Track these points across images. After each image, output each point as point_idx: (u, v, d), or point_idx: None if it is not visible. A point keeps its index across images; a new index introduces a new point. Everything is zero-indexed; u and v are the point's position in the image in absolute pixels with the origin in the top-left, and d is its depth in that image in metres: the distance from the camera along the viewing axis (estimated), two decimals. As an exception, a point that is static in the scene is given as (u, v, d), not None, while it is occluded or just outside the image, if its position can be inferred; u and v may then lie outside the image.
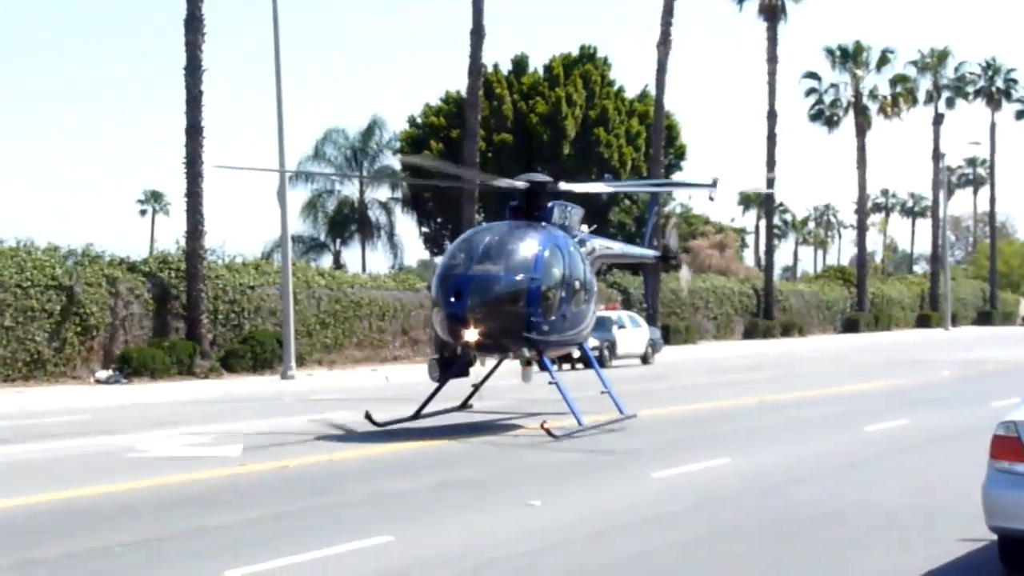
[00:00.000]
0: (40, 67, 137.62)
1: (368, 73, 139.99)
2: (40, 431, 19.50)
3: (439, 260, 19.82)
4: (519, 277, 18.31)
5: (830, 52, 69.18)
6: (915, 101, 72.79)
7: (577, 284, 19.70)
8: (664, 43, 48.51)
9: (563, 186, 21.55)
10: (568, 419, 18.14)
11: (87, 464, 15.32)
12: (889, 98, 69.39)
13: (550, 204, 20.36)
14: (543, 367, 19.29)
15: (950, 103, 76.68)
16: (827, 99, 69.69)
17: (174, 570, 8.74)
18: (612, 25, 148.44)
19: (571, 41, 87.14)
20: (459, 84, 49.63)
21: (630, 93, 59.96)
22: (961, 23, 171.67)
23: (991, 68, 78.87)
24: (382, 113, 71.60)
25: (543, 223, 19.84)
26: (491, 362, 20.56)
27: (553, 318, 18.88)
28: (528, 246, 18.73)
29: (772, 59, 59.49)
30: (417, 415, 19.48)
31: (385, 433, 18.57)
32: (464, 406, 20.59)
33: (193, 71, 33.32)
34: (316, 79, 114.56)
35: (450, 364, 19.69)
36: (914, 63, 74.01)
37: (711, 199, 25.57)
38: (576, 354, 21.10)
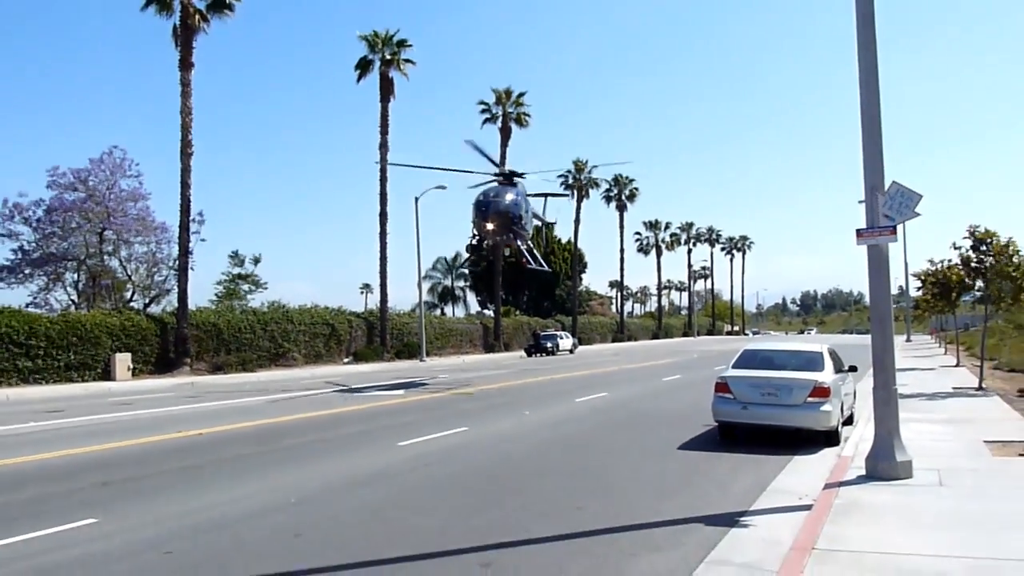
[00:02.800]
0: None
1: (451, 228, 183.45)
2: (319, 384, 30.17)
3: (478, 198, 29.94)
4: (509, 203, 29.01)
5: (645, 223, 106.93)
6: (680, 243, 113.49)
7: (529, 213, 30.99)
8: (576, 220, 76.72)
9: (520, 172, 31.98)
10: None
11: (337, 399, 23.97)
12: (669, 241, 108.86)
13: (515, 180, 30.91)
14: (524, 251, 32.37)
15: (695, 244, 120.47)
16: (644, 243, 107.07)
17: (376, 441, 14.50)
18: (555, 211, 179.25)
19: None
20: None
21: (564, 240, 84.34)
22: (704, 204, 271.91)
23: (712, 231, 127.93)
24: (460, 249, 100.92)
25: (514, 186, 30.39)
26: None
27: (523, 224, 30.59)
28: (511, 193, 29.35)
29: (621, 227, 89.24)
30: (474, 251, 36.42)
31: (465, 382, 29.60)
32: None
33: (383, 237, 49.28)
34: (433, 230, 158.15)
35: (476, 248, 33.36)
36: (679, 227, 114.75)
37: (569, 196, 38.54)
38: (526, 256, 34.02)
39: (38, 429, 17.22)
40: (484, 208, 28.84)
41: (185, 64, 37.22)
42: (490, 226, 28.83)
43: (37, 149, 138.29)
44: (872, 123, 10.27)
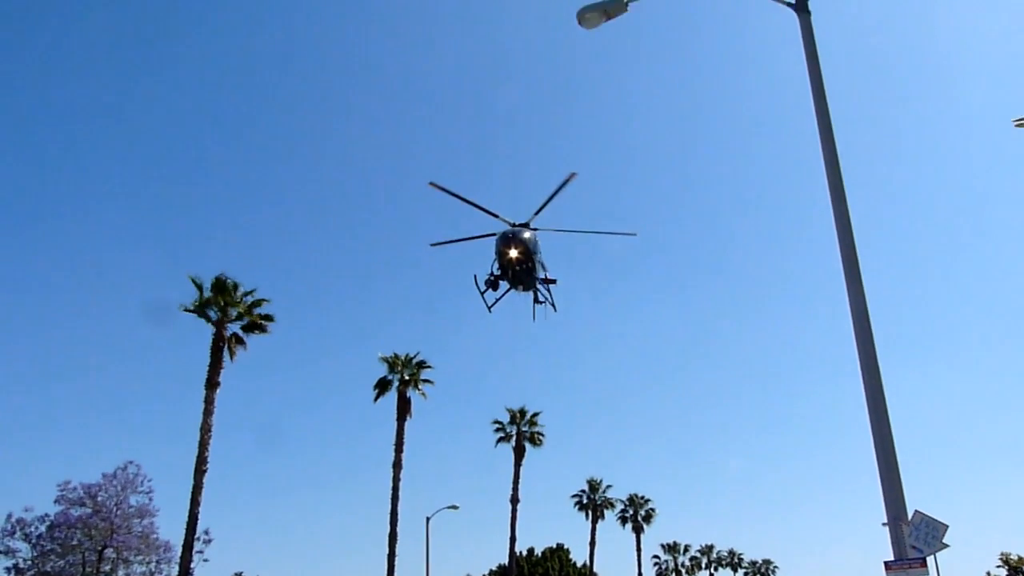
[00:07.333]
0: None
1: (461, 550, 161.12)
2: None
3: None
4: (529, 238, 28.84)
5: (663, 546, 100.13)
6: (701, 567, 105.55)
7: (540, 260, 30.28)
8: (592, 543, 71.19)
9: (529, 224, 30.23)
10: None
11: None
12: (689, 565, 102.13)
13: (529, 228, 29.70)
14: (537, 288, 30.71)
15: (716, 568, 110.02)
16: (663, 567, 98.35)
17: None
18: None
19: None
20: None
21: (579, 563, 76.31)
22: (725, 525, 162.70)
23: (733, 553, 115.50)
24: (471, 571, 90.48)
25: (529, 231, 29.32)
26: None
27: (537, 262, 29.64)
28: (529, 232, 28.80)
29: (638, 549, 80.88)
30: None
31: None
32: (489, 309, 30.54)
33: (391, 559, 46.29)
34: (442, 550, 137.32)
35: (494, 283, 29.90)
36: (699, 550, 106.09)
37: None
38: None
39: None
40: (509, 235, 29.58)
41: (211, 383, 38.58)
42: (514, 253, 29.39)
43: (48, 461, 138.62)
44: (886, 450, 10.31)
